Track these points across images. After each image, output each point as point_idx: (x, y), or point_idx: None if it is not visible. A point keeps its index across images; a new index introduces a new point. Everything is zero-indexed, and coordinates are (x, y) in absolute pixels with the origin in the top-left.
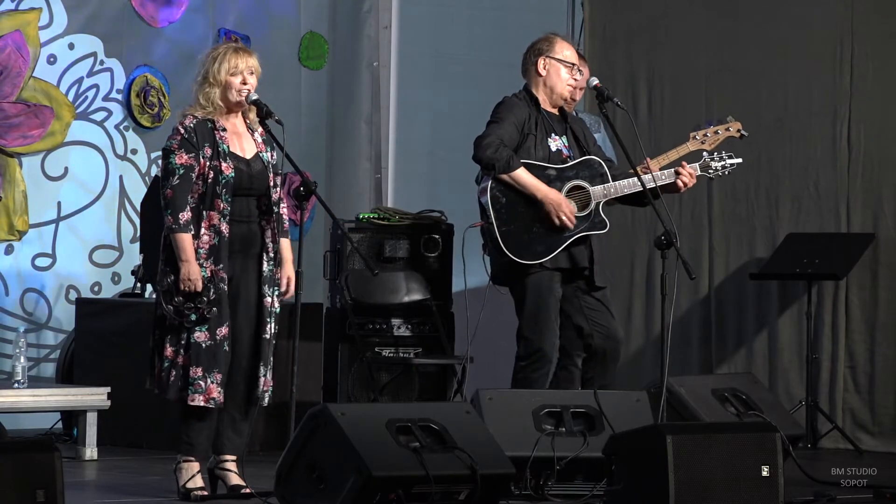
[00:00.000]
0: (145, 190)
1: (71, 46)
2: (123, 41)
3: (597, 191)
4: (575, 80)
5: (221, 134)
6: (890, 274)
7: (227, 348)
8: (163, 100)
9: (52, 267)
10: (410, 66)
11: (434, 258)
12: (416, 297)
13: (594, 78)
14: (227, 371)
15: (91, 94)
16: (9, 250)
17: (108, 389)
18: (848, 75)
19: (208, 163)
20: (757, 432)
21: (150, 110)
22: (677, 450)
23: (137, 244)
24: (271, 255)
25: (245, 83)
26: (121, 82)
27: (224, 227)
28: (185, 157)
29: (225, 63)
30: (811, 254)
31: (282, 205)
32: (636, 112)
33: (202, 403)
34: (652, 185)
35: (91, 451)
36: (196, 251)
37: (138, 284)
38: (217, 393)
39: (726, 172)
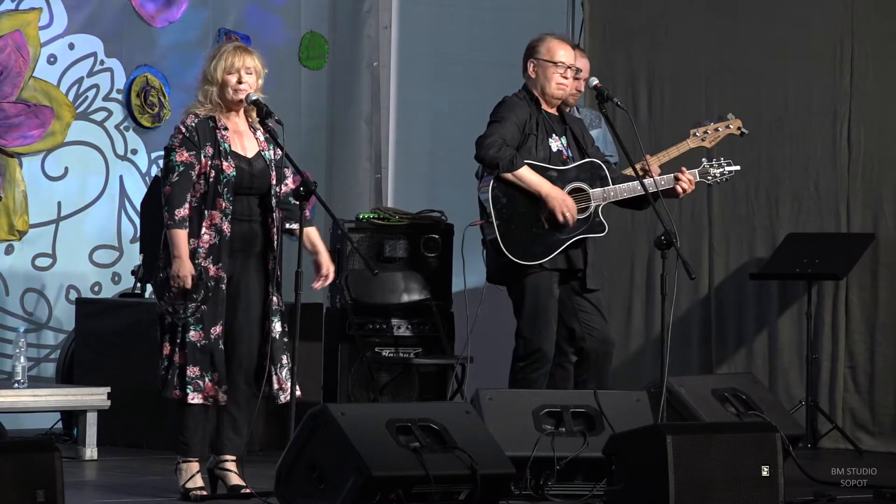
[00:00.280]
0: (145, 190)
1: (71, 46)
2: (123, 41)
3: (596, 193)
4: (566, 79)
5: (223, 133)
6: (890, 274)
7: (221, 347)
8: (163, 100)
9: (52, 267)
10: (410, 66)
11: (434, 258)
12: (416, 296)
13: (594, 78)
14: (226, 370)
15: (91, 94)
16: (9, 250)
17: (108, 389)
18: (848, 75)
19: (210, 162)
20: (757, 432)
21: (150, 110)
22: (677, 450)
23: (137, 244)
24: (275, 253)
25: (241, 82)
26: (121, 82)
27: (225, 227)
28: (186, 154)
29: (222, 62)
30: (811, 254)
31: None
32: (636, 112)
33: (201, 401)
34: (652, 189)
35: (91, 451)
36: (196, 250)
37: (138, 284)
38: (215, 391)
39: (724, 179)
